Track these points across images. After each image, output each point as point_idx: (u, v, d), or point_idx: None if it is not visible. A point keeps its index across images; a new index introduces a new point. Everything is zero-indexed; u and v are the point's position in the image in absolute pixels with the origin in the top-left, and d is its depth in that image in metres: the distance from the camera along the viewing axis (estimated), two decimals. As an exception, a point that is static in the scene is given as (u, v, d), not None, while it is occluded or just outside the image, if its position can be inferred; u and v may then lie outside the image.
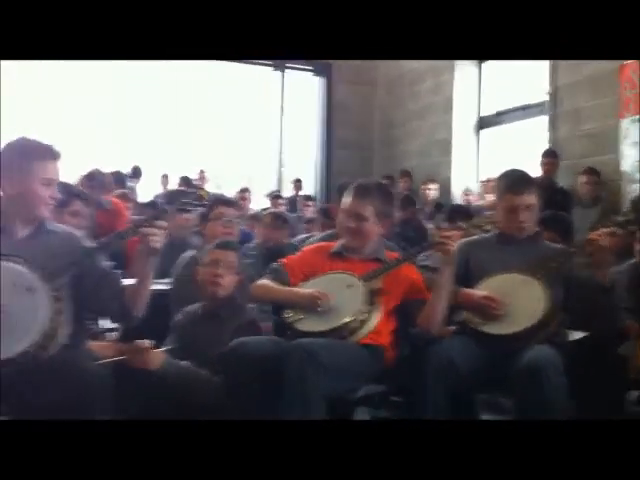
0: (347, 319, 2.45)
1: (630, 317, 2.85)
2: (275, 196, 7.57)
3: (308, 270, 2.70)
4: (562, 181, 5.93)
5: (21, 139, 2.33)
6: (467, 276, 2.86)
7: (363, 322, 2.47)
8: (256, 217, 5.89)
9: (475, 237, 2.98)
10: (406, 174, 7.64)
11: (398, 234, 4.85)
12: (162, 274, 3.88)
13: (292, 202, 7.67)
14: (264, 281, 2.67)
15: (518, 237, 2.84)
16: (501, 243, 2.86)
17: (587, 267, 2.89)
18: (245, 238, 5.15)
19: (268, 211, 4.44)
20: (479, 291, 2.71)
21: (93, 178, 5.10)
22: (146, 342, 2.45)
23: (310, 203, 7.25)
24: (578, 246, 2.78)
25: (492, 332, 2.63)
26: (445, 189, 7.42)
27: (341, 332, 2.44)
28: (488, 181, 6.62)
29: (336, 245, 2.76)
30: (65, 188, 3.10)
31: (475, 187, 7.33)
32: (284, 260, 2.75)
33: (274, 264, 2.76)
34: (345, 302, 2.51)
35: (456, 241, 2.59)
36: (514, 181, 2.85)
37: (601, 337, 2.80)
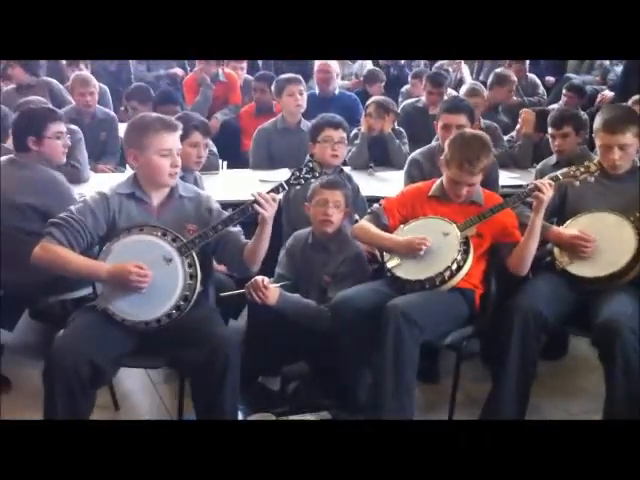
0: (441, 269, 2.70)
1: None
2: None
3: (407, 212, 2.91)
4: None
5: (139, 116, 2.61)
6: (562, 209, 2.99)
7: (456, 270, 2.71)
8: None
9: None
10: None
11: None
12: (272, 161, 4.21)
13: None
14: (365, 223, 2.92)
15: (615, 174, 2.90)
16: (601, 177, 2.88)
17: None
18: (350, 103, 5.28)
19: (371, 100, 4.51)
20: (570, 230, 2.86)
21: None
22: (265, 279, 2.82)
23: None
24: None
25: (577, 273, 2.82)
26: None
27: (435, 281, 2.71)
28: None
29: (433, 188, 2.92)
30: (184, 119, 3.35)
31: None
32: (384, 203, 2.97)
33: (375, 206, 2.99)
34: (441, 250, 2.74)
35: (550, 191, 2.70)
36: (609, 118, 2.86)
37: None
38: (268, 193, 2.46)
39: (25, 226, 2.94)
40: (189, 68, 6.96)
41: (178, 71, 7.06)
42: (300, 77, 4.49)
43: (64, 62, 5.94)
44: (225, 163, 5.03)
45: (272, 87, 4.60)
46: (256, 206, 2.43)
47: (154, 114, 2.67)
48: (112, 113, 4.88)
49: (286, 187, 2.50)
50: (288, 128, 4.32)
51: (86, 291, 2.93)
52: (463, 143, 2.78)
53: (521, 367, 2.69)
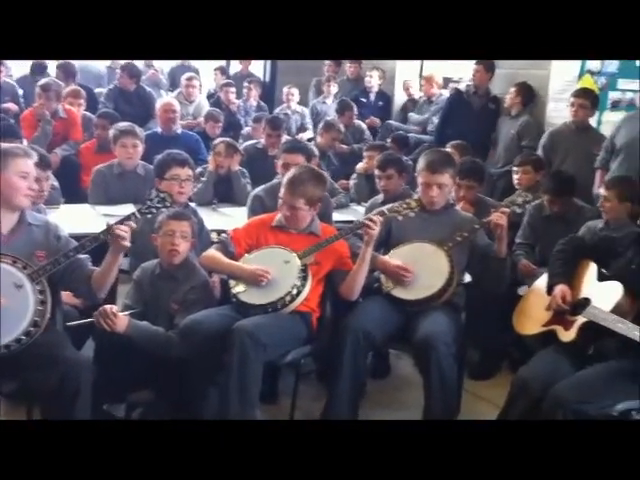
0: (283, 294, 2.96)
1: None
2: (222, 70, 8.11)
3: (252, 242, 3.16)
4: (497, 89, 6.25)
5: None
6: (388, 240, 3.36)
7: (296, 295, 2.98)
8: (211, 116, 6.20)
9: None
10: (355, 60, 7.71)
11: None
12: (110, 202, 4.27)
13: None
14: (213, 252, 3.13)
15: (433, 209, 3.33)
16: (421, 211, 3.28)
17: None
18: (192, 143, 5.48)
19: (219, 140, 4.76)
20: (394, 259, 3.23)
21: (49, 88, 5.26)
22: (113, 307, 2.91)
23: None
24: (483, 223, 3.27)
25: (400, 296, 3.19)
26: (389, 79, 7.65)
27: (277, 305, 2.95)
28: (430, 78, 6.92)
29: (276, 219, 3.21)
30: None
31: (416, 81, 7.59)
32: (231, 232, 3.20)
33: (222, 235, 3.21)
34: (282, 277, 3.00)
35: (378, 225, 3.04)
36: (430, 161, 3.30)
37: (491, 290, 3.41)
38: (122, 223, 2.59)
39: None
40: (23, 103, 6.80)
41: (11, 106, 6.86)
42: (134, 129, 4.51)
43: None
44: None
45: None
46: (112, 234, 2.55)
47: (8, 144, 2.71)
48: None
49: (139, 216, 2.64)
50: (124, 173, 4.42)
51: None
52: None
53: (352, 381, 3.00)
